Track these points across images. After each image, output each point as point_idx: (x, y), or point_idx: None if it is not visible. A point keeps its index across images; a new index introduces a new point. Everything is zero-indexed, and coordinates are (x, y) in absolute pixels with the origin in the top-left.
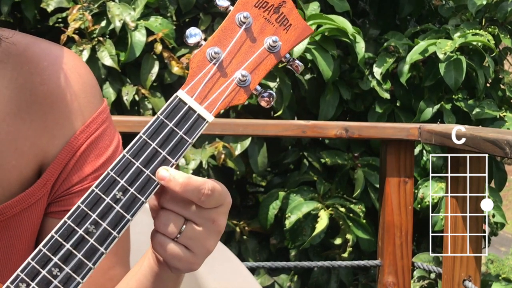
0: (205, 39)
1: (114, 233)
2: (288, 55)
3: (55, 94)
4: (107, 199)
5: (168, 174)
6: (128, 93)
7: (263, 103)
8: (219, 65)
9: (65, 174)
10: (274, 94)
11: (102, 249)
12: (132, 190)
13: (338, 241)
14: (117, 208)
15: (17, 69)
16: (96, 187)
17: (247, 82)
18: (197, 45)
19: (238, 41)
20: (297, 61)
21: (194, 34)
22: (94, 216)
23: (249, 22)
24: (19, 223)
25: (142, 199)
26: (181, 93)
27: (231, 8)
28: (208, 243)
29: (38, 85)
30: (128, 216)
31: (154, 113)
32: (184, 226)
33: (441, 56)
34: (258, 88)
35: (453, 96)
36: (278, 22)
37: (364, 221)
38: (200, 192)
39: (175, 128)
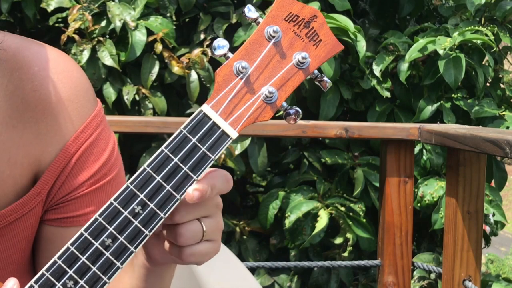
0: (232, 51)
1: (132, 248)
2: (316, 71)
3: (47, 100)
4: (125, 213)
5: (198, 194)
6: (129, 93)
7: (289, 121)
8: (245, 80)
9: (60, 181)
10: (300, 111)
11: (118, 264)
12: (151, 205)
13: (338, 240)
14: (136, 222)
15: (6, 75)
16: (115, 200)
17: (274, 98)
18: (224, 57)
19: (267, 56)
20: (325, 78)
21: (221, 46)
22: (111, 229)
23: (279, 36)
24: (15, 232)
25: (161, 214)
26: (205, 108)
27: (260, 20)
28: (220, 224)
29: (29, 92)
30: (146, 232)
31: (154, 113)
32: (204, 226)
33: (440, 51)
34: (284, 104)
35: (453, 95)
36: (308, 37)
37: (364, 220)
38: (228, 182)
39: (198, 144)
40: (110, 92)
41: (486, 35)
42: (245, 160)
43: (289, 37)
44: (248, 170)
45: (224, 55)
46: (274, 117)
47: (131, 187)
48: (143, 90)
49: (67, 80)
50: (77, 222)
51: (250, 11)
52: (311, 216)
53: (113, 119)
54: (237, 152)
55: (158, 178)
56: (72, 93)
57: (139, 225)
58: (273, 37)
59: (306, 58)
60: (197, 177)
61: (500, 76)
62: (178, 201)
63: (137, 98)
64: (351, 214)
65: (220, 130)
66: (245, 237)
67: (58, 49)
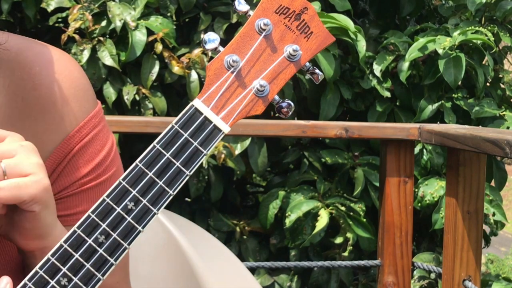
0: (222, 45)
1: (125, 244)
2: (308, 64)
3: (46, 99)
4: (118, 209)
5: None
6: (129, 93)
7: (281, 114)
8: (237, 74)
9: (52, 179)
10: (292, 104)
11: (112, 260)
12: (144, 201)
13: (338, 240)
14: (129, 219)
15: (9, 76)
16: (107, 196)
17: (265, 92)
18: (215, 51)
19: (257, 49)
20: (316, 70)
21: (212, 40)
22: (104, 226)
23: (269, 29)
24: None
25: (154, 210)
26: (197, 102)
27: (250, 13)
28: (28, 161)
29: (29, 91)
30: (140, 228)
31: (155, 113)
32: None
33: (440, 51)
34: (276, 97)
35: (453, 95)
36: (299, 30)
37: (364, 220)
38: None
39: (190, 139)
40: (110, 92)
41: (486, 35)
42: (245, 160)
43: (280, 30)
44: (248, 170)
45: (215, 49)
46: (273, 117)
47: (124, 183)
48: (143, 90)
49: (67, 80)
50: (66, 221)
51: (241, 4)
52: (312, 216)
53: (113, 119)
54: (237, 152)
55: (150, 174)
56: (71, 92)
57: (132, 222)
58: (264, 30)
59: (297, 50)
60: (189, 172)
61: (500, 76)
62: (171, 197)
63: (137, 98)
64: (351, 213)
65: (212, 124)
66: (245, 237)
67: (61, 50)
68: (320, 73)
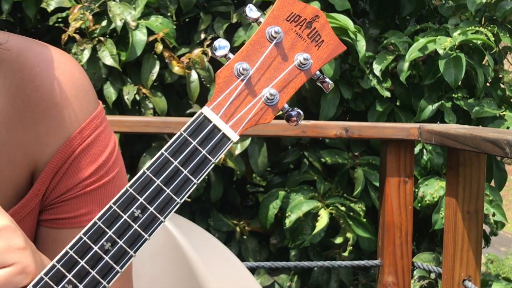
0: (232, 52)
1: (131, 252)
2: (318, 72)
3: (47, 100)
4: (125, 217)
5: None
6: (129, 93)
7: (290, 123)
8: (247, 82)
9: (55, 181)
10: (301, 112)
11: (117, 268)
12: (151, 209)
13: (338, 240)
14: (135, 226)
15: (9, 76)
16: (114, 203)
17: (275, 100)
18: (225, 58)
19: (268, 57)
20: (327, 79)
21: (222, 47)
22: (110, 233)
23: (280, 37)
24: None
25: (161, 218)
26: (206, 110)
27: (261, 20)
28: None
29: (30, 92)
30: (146, 236)
31: (155, 113)
32: None
33: (441, 51)
34: (286, 106)
35: (453, 95)
36: (310, 38)
37: (364, 220)
38: None
39: (198, 147)
40: (110, 92)
41: (486, 35)
42: (245, 160)
43: (291, 38)
44: (248, 170)
45: (225, 56)
46: (274, 117)
47: (131, 190)
48: (144, 90)
49: (68, 81)
50: (69, 224)
51: (252, 11)
52: (312, 216)
53: (113, 119)
54: (237, 152)
55: (158, 182)
56: (73, 94)
57: (138, 229)
58: (275, 38)
59: (308, 59)
60: (197, 180)
61: (500, 76)
62: (179, 205)
63: (137, 98)
64: (351, 213)
65: (221, 133)
66: (245, 237)
67: (62, 50)
68: (330, 82)
